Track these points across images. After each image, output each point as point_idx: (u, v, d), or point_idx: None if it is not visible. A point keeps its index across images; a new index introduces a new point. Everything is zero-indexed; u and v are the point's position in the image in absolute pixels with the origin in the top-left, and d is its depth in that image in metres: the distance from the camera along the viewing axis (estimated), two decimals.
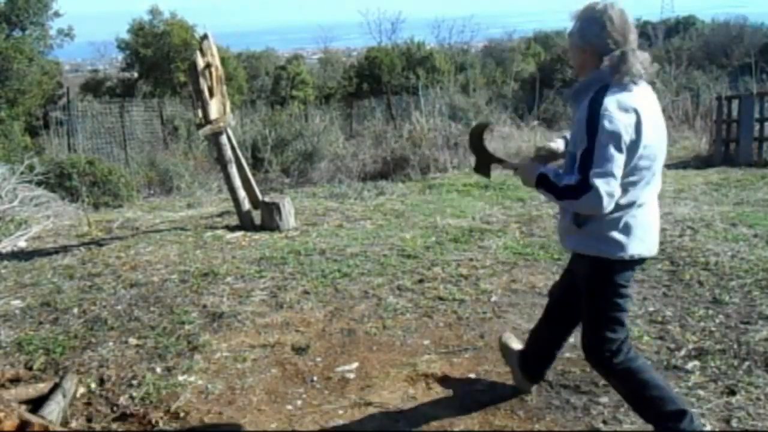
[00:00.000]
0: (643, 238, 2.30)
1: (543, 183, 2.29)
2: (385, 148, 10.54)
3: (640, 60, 2.20)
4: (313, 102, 17.84)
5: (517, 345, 2.93)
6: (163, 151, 12.17)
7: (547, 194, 2.30)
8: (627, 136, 2.14)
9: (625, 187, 2.20)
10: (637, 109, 2.17)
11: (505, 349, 2.97)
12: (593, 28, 2.24)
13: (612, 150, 2.12)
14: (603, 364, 2.40)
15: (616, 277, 2.31)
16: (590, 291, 2.39)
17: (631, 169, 2.20)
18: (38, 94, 17.00)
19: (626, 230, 2.27)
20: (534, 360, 2.79)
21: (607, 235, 2.27)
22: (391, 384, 2.98)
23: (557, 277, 4.16)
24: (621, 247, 2.27)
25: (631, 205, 2.25)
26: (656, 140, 2.25)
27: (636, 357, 2.41)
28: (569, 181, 2.20)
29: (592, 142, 2.14)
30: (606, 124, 2.13)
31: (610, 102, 2.15)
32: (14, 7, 16.67)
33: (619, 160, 2.13)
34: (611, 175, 2.12)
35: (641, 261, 2.37)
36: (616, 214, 2.24)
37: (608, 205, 2.14)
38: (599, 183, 2.11)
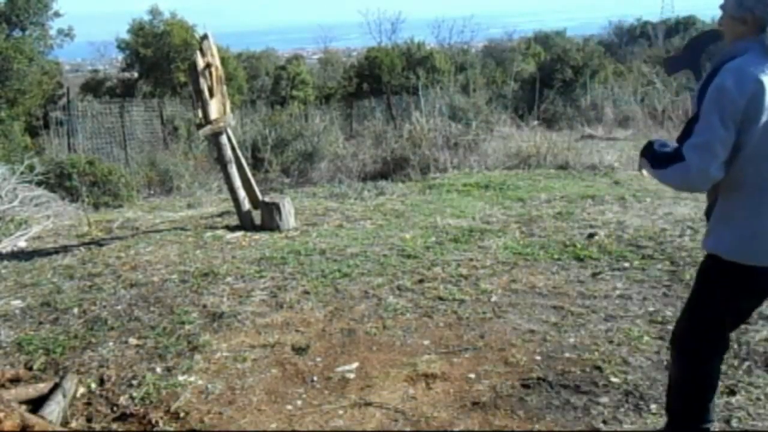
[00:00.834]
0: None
1: (653, 155, 2.06)
2: (385, 148, 10.54)
3: None
4: (313, 102, 17.82)
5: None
6: (163, 151, 12.16)
7: (652, 167, 2.05)
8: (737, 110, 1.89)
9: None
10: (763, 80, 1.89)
11: None
12: None
13: (716, 121, 1.90)
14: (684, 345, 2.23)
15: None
16: None
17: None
18: (38, 94, 17.00)
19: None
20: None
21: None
22: (391, 384, 2.98)
23: (557, 277, 4.17)
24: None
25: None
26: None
27: (710, 357, 2.23)
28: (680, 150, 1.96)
29: (699, 113, 1.94)
30: (719, 97, 1.90)
31: (744, 73, 1.90)
32: (14, 7, 16.67)
33: (721, 133, 1.90)
34: (709, 148, 1.91)
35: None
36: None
37: (700, 180, 1.94)
38: (692, 156, 1.92)
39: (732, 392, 2.75)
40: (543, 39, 29.40)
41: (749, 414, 2.60)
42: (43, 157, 9.63)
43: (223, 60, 6.82)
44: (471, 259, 4.65)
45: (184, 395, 2.93)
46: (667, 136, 13.42)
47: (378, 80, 20.88)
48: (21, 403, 2.76)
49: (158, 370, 3.17)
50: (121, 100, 15.71)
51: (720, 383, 2.80)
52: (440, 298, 3.94)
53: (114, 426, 2.75)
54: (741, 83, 1.89)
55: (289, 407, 2.84)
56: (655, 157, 2.04)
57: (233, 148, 6.01)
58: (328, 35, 41.33)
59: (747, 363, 2.98)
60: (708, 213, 2.15)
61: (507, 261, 4.59)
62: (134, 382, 3.05)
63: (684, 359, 2.25)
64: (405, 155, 9.87)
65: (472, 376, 3.02)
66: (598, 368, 3.00)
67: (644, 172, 2.14)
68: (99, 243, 5.63)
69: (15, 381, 3.04)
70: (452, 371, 3.07)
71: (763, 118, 1.91)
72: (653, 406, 2.67)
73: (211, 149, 9.07)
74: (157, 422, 2.74)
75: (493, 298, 3.92)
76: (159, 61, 20.95)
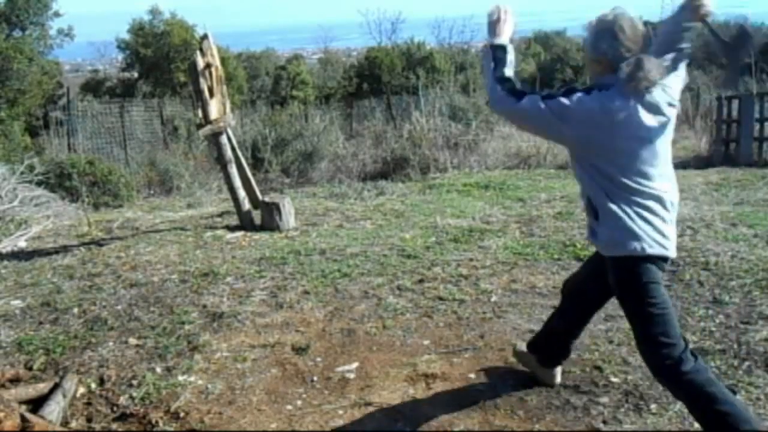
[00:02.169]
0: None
1: (492, 54, 2.40)
2: (385, 148, 10.54)
3: (655, 65, 2.17)
4: (313, 102, 17.84)
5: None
6: (163, 151, 12.15)
7: (486, 67, 2.39)
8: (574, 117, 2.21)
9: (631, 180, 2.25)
10: (613, 112, 2.19)
11: (521, 356, 2.99)
12: (605, 38, 2.26)
13: (558, 99, 2.22)
14: (665, 374, 2.29)
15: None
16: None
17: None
18: (38, 94, 17.01)
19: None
20: (547, 349, 2.83)
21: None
22: (391, 384, 2.98)
23: (557, 277, 4.17)
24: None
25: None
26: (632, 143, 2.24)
27: (700, 369, 2.27)
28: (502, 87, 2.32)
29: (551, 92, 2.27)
30: (572, 97, 2.22)
31: (595, 94, 2.21)
32: (14, 7, 16.67)
33: (546, 105, 2.22)
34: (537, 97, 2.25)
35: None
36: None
37: (505, 111, 2.34)
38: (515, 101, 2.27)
39: (732, 392, 2.74)
40: (543, 39, 29.42)
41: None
42: (43, 157, 9.62)
43: (223, 60, 6.82)
44: (471, 259, 4.65)
45: (184, 395, 2.93)
46: None
47: (378, 80, 20.91)
48: (21, 403, 2.76)
49: (158, 370, 3.17)
50: (121, 100, 15.71)
51: (720, 383, 2.81)
52: (440, 298, 3.94)
53: (114, 426, 2.75)
54: (605, 109, 2.20)
55: (289, 407, 2.84)
56: (502, 63, 2.36)
57: (233, 148, 6.01)
58: (328, 35, 41.40)
59: (747, 363, 2.97)
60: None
61: (507, 261, 4.59)
62: (134, 382, 3.05)
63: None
64: (405, 155, 9.87)
65: (472, 376, 3.02)
66: (598, 368, 3.00)
67: (481, 54, 2.41)
68: (99, 243, 5.63)
69: (15, 381, 3.04)
70: (452, 371, 3.07)
71: (622, 144, 2.22)
72: (653, 406, 2.67)
73: (211, 149, 9.07)
74: (157, 422, 2.74)
75: (493, 298, 3.92)
76: (159, 61, 20.97)
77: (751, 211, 5.67)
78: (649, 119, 2.21)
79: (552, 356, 2.84)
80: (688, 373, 2.23)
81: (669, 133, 2.30)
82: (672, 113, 2.27)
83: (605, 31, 2.26)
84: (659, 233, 2.26)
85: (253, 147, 11.00)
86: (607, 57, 2.26)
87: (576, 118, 2.21)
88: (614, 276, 2.35)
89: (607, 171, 2.25)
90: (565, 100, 2.21)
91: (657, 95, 2.21)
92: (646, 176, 2.26)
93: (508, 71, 2.35)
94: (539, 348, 2.86)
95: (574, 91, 2.24)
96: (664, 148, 2.30)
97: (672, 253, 2.30)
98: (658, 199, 2.28)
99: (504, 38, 2.41)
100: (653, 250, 2.25)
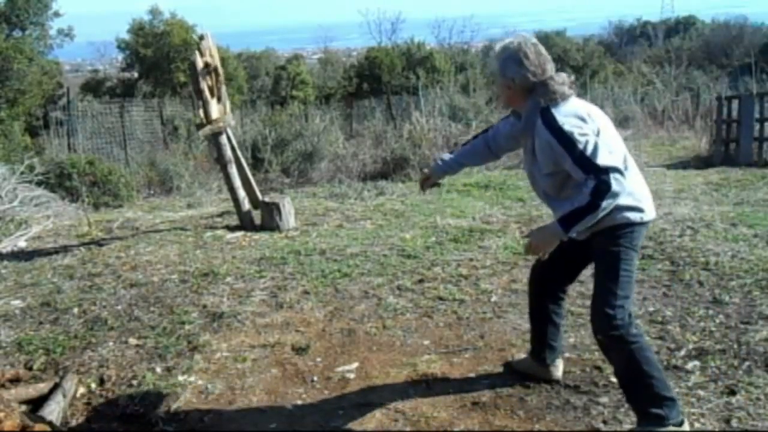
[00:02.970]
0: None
1: (570, 220, 2.34)
2: (385, 148, 10.53)
3: (561, 82, 2.42)
4: (313, 102, 17.84)
5: (523, 354, 3.09)
6: (163, 151, 12.16)
7: (583, 220, 2.33)
8: (589, 128, 2.36)
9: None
10: (579, 111, 2.41)
11: (520, 364, 3.02)
12: (511, 65, 2.45)
13: (593, 141, 2.31)
14: (617, 333, 2.43)
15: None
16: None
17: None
18: (38, 94, 17.01)
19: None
20: (542, 341, 2.89)
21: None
22: (391, 384, 2.98)
23: None
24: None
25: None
26: (611, 132, 2.46)
27: (642, 334, 2.51)
28: (587, 190, 2.28)
29: (574, 149, 2.31)
30: (572, 129, 2.33)
31: (558, 114, 2.38)
32: (14, 7, 16.68)
33: (602, 146, 2.31)
34: (609, 159, 2.30)
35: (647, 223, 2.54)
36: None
37: (623, 182, 2.29)
38: (609, 171, 2.27)
39: (732, 392, 2.75)
40: (543, 39, 29.40)
41: (749, 414, 2.60)
42: (43, 157, 9.62)
43: (223, 60, 6.82)
44: (471, 259, 4.65)
45: (184, 395, 2.93)
46: (667, 135, 13.43)
47: (378, 80, 20.91)
48: (21, 403, 2.76)
49: (158, 370, 3.17)
50: (121, 100, 15.72)
51: (720, 383, 2.82)
52: (440, 298, 3.94)
53: (114, 426, 2.75)
54: (573, 117, 2.39)
55: (289, 407, 2.84)
56: (589, 204, 2.30)
57: (233, 148, 6.01)
58: (328, 35, 41.43)
59: (747, 363, 2.98)
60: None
61: (507, 261, 4.59)
62: (134, 382, 3.05)
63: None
64: (405, 155, 9.86)
65: (472, 376, 3.02)
66: (598, 368, 3.00)
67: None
68: (99, 243, 5.63)
69: (15, 381, 3.04)
70: (452, 371, 3.07)
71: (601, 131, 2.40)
72: None
73: (211, 149, 9.07)
74: (157, 422, 2.74)
75: (493, 298, 3.92)
76: (159, 61, 20.97)
77: (751, 211, 5.67)
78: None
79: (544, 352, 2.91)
80: (637, 335, 2.45)
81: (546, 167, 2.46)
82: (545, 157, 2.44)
83: (510, 58, 2.45)
84: None
85: (253, 147, 11.00)
86: (515, 82, 2.45)
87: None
88: (608, 241, 2.46)
89: None
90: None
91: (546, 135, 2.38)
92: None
93: (574, 204, 2.36)
94: (534, 349, 2.94)
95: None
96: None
97: None
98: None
99: (555, 227, 2.41)
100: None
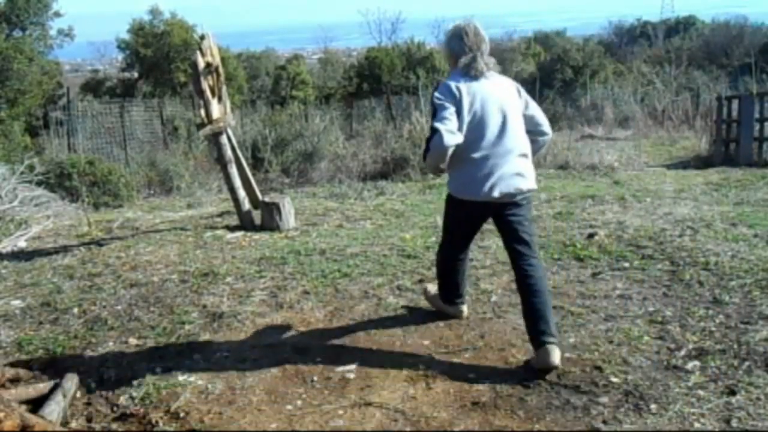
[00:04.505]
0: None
1: (424, 155, 3.06)
2: (385, 148, 10.52)
3: (485, 62, 3.04)
4: (313, 102, 17.83)
5: (434, 287, 3.72)
6: (163, 151, 12.16)
7: (425, 160, 3.06)
8: (451, 102, 2.94)
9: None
10: (460, 87, 2.97)
11: (430, 298, 3.72)
12: (455, 39, 3.11)
13: (441, 108, 2.92)
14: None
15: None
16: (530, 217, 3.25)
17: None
18: (38, 94, 17.01)
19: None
20: (452, 288, 3.55)
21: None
22: (391, 384, 2.98)
23: (557, 277, 4.18)
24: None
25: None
26: (483, 112, 2.99)
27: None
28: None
29: (433, 108, 2.95)
30: (437, 95, 2.97)
31: (445, 83, 3.03)
32: (14, 7, 16.68)
33: (450, 113, 2.90)
34: (446, 119, 2.89)
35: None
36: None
37: (450, 139, 2.86)
38: (438, 125, 2.88)
39: (732, 392, 2.75)
40: (543, 39, 29.42)
41: (749, 414, 2.60)
42: (43, 157, 9.63)
43: (223, 60, 6.81)
44: (471, 259, 4.64)
45: (184, 395, 2.93)
46: (667, 135, 13.43)
47: (378, 80, 20.92)
48: (21, 403, 2.75)
49: (158, 370, 3.17)
50: (121, 100, 15.72)
51: (720, 383, 2.82)
52: None
53: (114, 426, 2.75)
54: (449, 89, 2.99)
55: (289, 407, 2.84)
56: (426, 148, 2.99)
57: (233, 148, 6.01)
58: (328, 35, 41.43)
59: (747, 363, 2.97)
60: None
61: (507, 261, 4.55)
62: (134, 382, 3.05)
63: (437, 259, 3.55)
64: (405, 155, 9.85)
65: (472, 376, 3.02)
66: (598, 368, 3.00)
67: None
68: (99, 243, 5.63)
69: (15, 381, 3.04)
70: (452, 371, 3.07)
71: (465, 111, 2.97)
72: (653, 406, 2.67)
73: (211, 149, 9.08)
74: (157, 422, 2.74)
75: (493, 298, 3.92)
76: (159, 61, 20.98)
77: (751, 211, 5.67)
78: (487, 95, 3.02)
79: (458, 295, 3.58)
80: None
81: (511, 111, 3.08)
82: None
83: (455, 34, 3.11)
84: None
85: (253, 147, 11.00)
86: (455, 52, 3.10)
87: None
88: (529, 204, 3.21)
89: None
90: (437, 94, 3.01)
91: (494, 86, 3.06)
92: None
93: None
94: (443, 291, 3.58)
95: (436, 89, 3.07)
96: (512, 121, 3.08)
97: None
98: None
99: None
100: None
